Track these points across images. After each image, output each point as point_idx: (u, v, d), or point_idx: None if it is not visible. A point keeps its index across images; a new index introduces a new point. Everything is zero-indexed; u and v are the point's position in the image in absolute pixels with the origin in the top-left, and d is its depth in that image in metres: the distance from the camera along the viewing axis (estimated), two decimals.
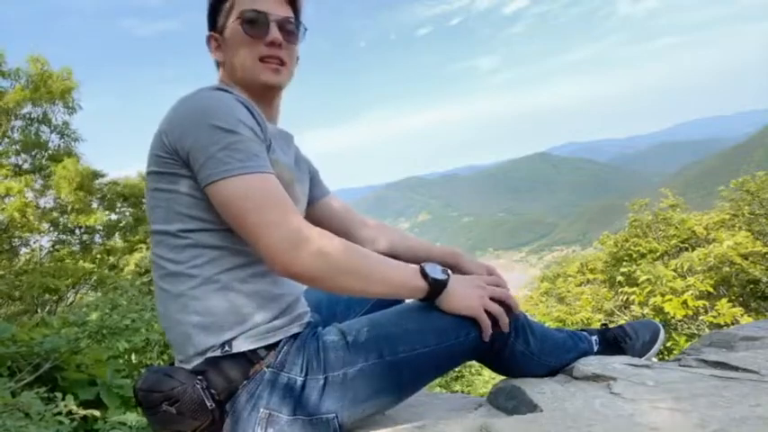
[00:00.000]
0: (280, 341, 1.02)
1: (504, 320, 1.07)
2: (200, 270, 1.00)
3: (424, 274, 1.03)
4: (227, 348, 0.99)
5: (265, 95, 1.18)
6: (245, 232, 0.95)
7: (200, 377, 0.97)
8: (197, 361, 1.00)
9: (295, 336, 1.04)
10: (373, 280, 0.99)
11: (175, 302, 1.02)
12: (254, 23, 1.12)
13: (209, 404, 0.96)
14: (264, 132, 1.04)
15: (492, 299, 1.08)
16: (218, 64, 1.20)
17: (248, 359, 0.99)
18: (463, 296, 1.05)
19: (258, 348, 1.00)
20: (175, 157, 0.99)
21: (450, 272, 1.07)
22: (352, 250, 0.99)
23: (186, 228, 1.01)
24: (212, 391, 0.97)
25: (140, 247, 8.81)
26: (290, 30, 1.17)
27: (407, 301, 1.13)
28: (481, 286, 1.09)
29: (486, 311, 1.06)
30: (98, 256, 8.97)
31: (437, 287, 1.03)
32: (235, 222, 0.96)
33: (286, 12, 1.17)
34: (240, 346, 0.99)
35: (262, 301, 1.02)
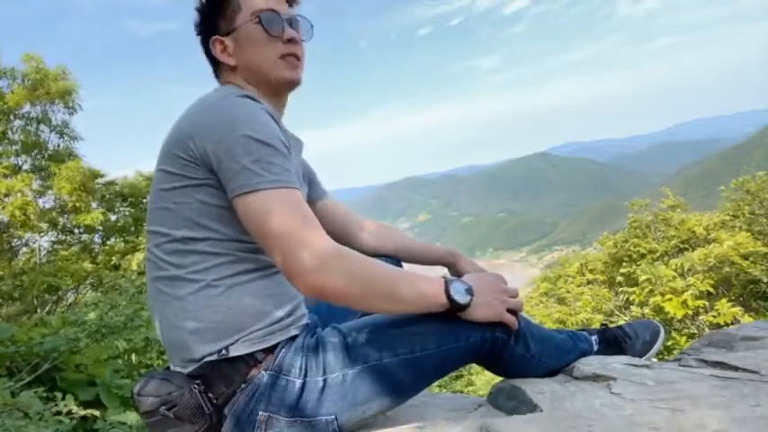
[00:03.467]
0: (278, 344, 1.01)
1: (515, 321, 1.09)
2: (202, 275, 0.99)
3: (448, 294, 0.99)
4: (224, 352, 0.98)
5: (283, 93, 1.19)
6: (271, 248, 0.93)
7: (197, 381, 0.97)
8: (194, 365, 0.99)
9: (293, 338, 1.03)
10: (397, 299, 0.96)
11: (172, 306, 1.00)
12: (272, 23, 1.12)
13: (206, 408, 0.95)
14: (289, 146, 1.03)
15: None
16: (223, 66, 1.16)
17: (246, 362, 0.99)
18: (485, 305, 1.04)
19: (256, 352, 0.99)
20: (199, 163, 0.97)
21: (473, 288, 1.03)
22: (379, 271, 0.96)
23: (192, 236, 0.99)
24: (210, 395, 0.97)
25: (142, 247, 8.77)
26: (299, 27, 1.19)
27: None
28: (501, 289, 1.08)
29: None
30: (98, 256, 8.94)
31: (458, 309, 1.01)
32: (261, 236, 0.94)
33: (291, 10, 1.19)
34: (238, 349, 0.98)
35: (263, 306, 1.01)
